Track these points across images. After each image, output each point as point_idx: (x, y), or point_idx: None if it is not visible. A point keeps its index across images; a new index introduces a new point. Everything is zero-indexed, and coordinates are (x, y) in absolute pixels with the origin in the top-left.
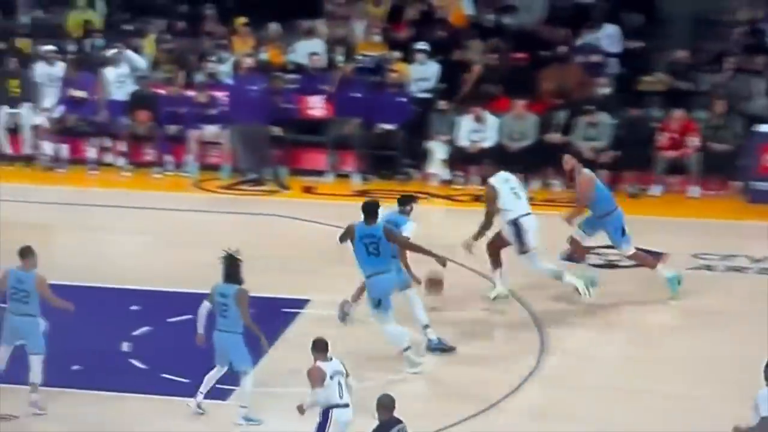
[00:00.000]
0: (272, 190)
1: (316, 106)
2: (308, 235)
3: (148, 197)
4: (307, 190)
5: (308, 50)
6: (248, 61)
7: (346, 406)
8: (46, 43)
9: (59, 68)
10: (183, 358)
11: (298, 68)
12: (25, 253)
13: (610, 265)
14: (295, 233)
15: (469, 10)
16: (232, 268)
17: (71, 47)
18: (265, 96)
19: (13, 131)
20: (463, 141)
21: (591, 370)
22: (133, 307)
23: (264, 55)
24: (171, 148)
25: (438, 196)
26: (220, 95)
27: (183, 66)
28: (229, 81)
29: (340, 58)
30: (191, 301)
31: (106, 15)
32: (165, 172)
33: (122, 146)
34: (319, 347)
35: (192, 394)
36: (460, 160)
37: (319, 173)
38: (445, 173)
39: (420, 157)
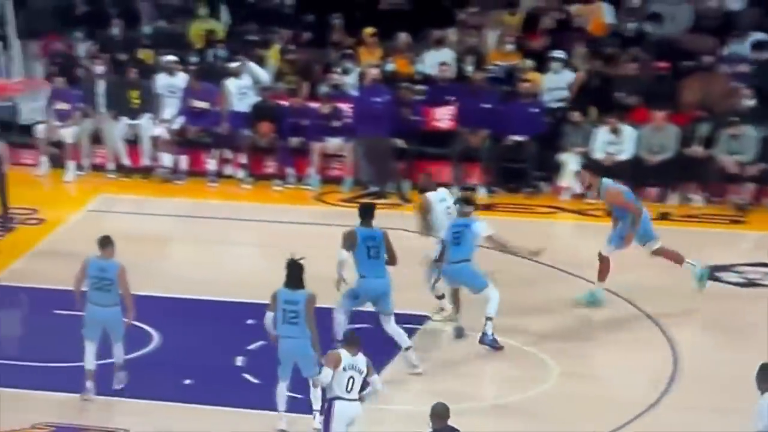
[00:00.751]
0: (394, 203)
1: (443, 118)
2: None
3: (267, 210)
4: None
5: (437, 60)
6: (373, 72)
7: (351, 401)
8: (168, 53)
9: (180, 79)
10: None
11: (426, 79)
12: (105, 242)
13: (751, 284)
14: (416, 248)
15: (609, 19)
16: (297, 273)
17: (193, 58)
18: (389, 108)
19: (132, 143)
20: (599, 153)
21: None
22: (249, 321)
23: (390, 66)
24: (293, 160)
25: (569, 211)
26: (345, 107)
27: (307, 77)
28: (354, 92)
29: (469, 68)
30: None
31: (230, 25)
32: (285, 185)
33: (243, 158)
34: (350, 340)
35: (305, 410)
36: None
37: (443, 187)
38: (577, 186)
39: (551, 170)
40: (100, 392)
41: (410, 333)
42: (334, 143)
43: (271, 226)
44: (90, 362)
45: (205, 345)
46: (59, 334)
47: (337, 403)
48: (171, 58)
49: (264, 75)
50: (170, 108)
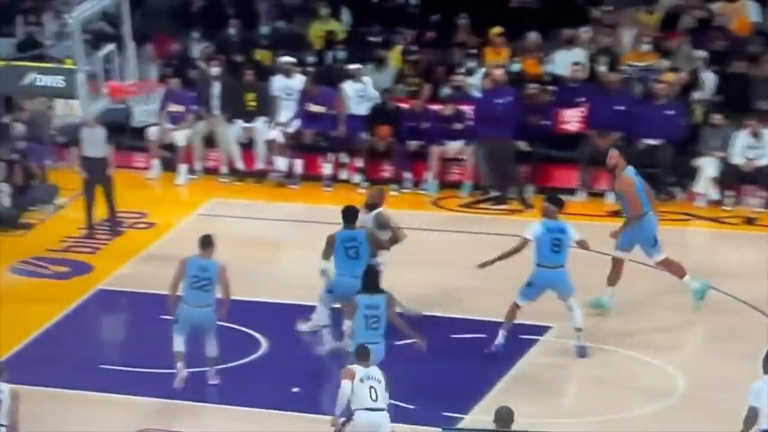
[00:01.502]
0: (515, 209)
1: (571, 120)
2: None
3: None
4: None
5: (568, 60)
6: (497, 73)
7: (377, 410)
8: (286, 54)
9: (297, 81)
10: (410, 384)
11: (554, 80)
12: (207, 242)
13: None
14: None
15: (755, 17)
16: (374, 278)
17: (312, 59)
18: (511, 109)
19: (246, 146)
20: (738, 158)
21: None
22: None
23: (516, 66)
24: (410, 164)
25: (703, 219)
26: (467, 109)
27: (429, 78)
28: (477, 94)
29: (602, 68)
30: (420, 324)
31: (351, 25)
32: (402, 190)
33: (359, 162)
34: (360, 354)
35: (418, 420)
36: (733, 178)
37: (569, 191)
38: (713, 193)
39: (686, 175)
40: (203, 399)
41: (529, 345)
42: (454, 146)
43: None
44: (179, 345)
45: (313, 352)
46: (166, 340)
47: (360, 414)
48: (288, 59)
49: (373, 93)
50: (286, 111)
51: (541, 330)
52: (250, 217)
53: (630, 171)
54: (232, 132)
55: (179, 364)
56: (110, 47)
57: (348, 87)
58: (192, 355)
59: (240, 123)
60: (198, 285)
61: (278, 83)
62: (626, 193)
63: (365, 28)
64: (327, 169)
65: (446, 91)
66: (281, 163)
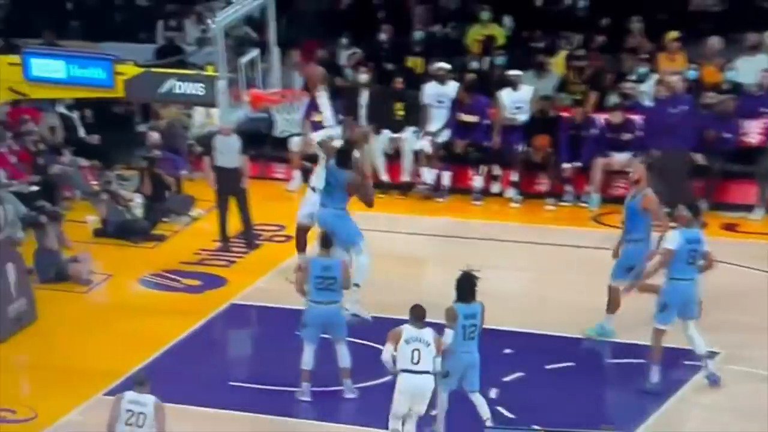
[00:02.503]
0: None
1: (753, 132)
2: (731, 279)
3: (538, 231)
4: (729, 227)
5: (752, 67)
6: (673, 80)
7: (419, 373)
8: (440, 60)
9: (451, 88)
10: (556, 409)
11: (734, 88)
12: (328, 242)
13: None
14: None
15: None
16: (471, 286)
17: (468, 65)
18: (687, 119)
19: (392, 157)
20: None
21: None
22: (506, 351)
23: (693, 73)
24: (571, 177)
25: None
26: (636, 118)
27: (596, 86)
28: (648, 102)
29: None
30: (575, 348)
31: (513, 30)
32: (560, 203)
33: (514, 175)
34: (414, 313)
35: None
36: None
37: (746, 208)
38: None
39: None
40: (335, 419)
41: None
42: (620, 158)
43: (539, 248)
44: (307, 363)
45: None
46: (299, 357)
47: (402, 376)
48: (442, 65)
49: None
50: (437, 120)
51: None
52: (394, 231)
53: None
54: (378, 142)
55: (304, 385)
56: (254, 53)
57: (505, 96)
58: (323, 372)
59: (387, 133)
60: (322, 285)
61: (430, 90)
62: (653, 212)
63: (528, 32)
64: (477, 181)
65: (614, 99)
66: (428, 174)
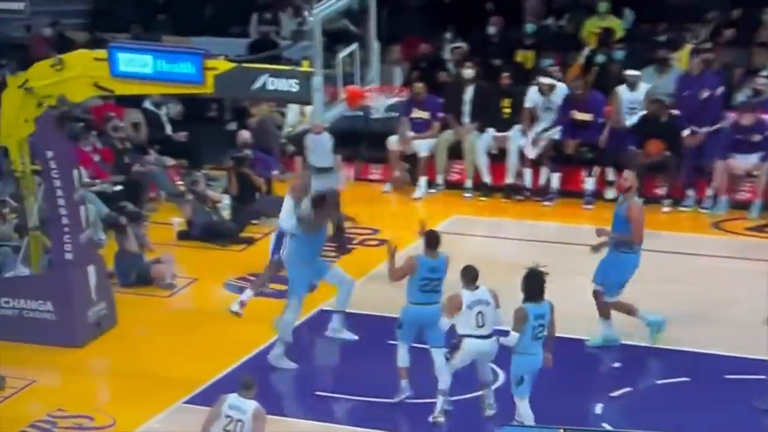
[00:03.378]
0: None
1: None
2: None
3: (652, 238)
4: None
5: None
6: None
7: (482, 337)
8: (552, 55)
9: (560, 85)
10: (666, 427)
11: None
12: (434, 241)
13: None
14: None
15: None
16: (540, 284)
17: (582, 60)
18: None
19: (496, 157)
20: None
21: None
22: (616, 365)
23: None
24: (692, 180)
25: None
26: (767, 118)
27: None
28: None
29: None
30: (689, 362)
31: (633, 23)
32: (679, 208)
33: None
34: (467, 275)
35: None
36: None
37: None
38: None
39: None
40: None
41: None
42: (746, 161)
43: (653, 256)
44: (404, 360)
45: (563, 387)
46: (389, 366)
47: (467, 340)
48: (550, 62)
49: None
50: (546, 118)
51: None
52: (496, 237)
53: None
54: (482, 142)
55: (404, 382)
56: (352, 48)
57: (622, 92)
58: (422, 383)
59: (492, 132)
60: (428, 287)
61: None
62: (635, 222)
63: (649, 25)
64: (589, 184)
65: (741, 97)
66: (536, 176)
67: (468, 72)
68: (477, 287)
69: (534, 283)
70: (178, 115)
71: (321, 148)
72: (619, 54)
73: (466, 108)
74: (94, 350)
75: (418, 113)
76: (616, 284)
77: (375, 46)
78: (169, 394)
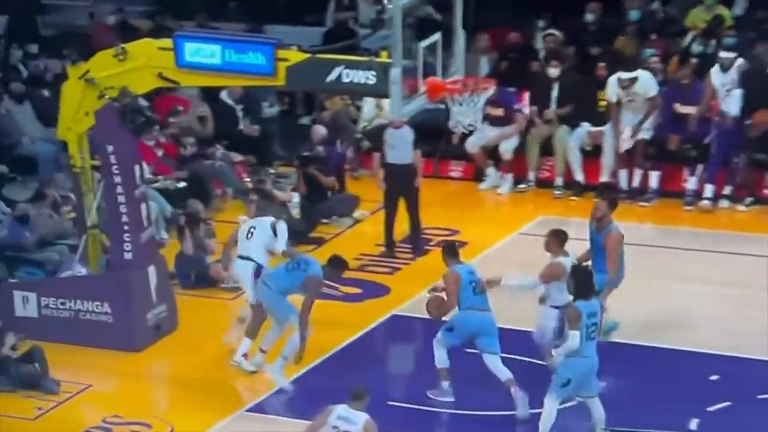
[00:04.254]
0: None
1: None
2: None
3: (763, 241)
4: None
5: None
6: None
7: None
8: (654, 44)
9: (644, 75)
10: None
11: None
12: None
13: None
14: None
15: None
16: (588, 282)
17: (684, 48)
18: None
19: (590, 154)
20: None
21: None
22: (713, 377)
23: None
24: None
25: None
26: None
27: None
28: None
29: None
30: None
31: (746, 10)
32: None
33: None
34: (558, 240)
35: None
36: None
37: None
38: None
39: None
40: None
41: None
42: None
43: (765, 261)
44: (443, 361)
45: (655, 401)
46: (468, 376)
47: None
48: (652, 51)
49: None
50: (630, 113)
51: None
52: (585, 240)
53: (617, 226)
54: (575, 137)
55: (444, 384)
56: (435, 37)
57: (714, 75)
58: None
59: (586, 126)
60: (466, 293)
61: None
62: (611, 252)
63: (764, 12)
64: (691, 183)
65: None
66: (633, 175)
67: (553, 71)
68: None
69: (583, 279)
70: (272, 115)
71: (401, 144)
72: (730, 41)
73: (559, 101)
74: (153, 354)
75: (490, 110)
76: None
77: (460, 34)
78: (230, 401)
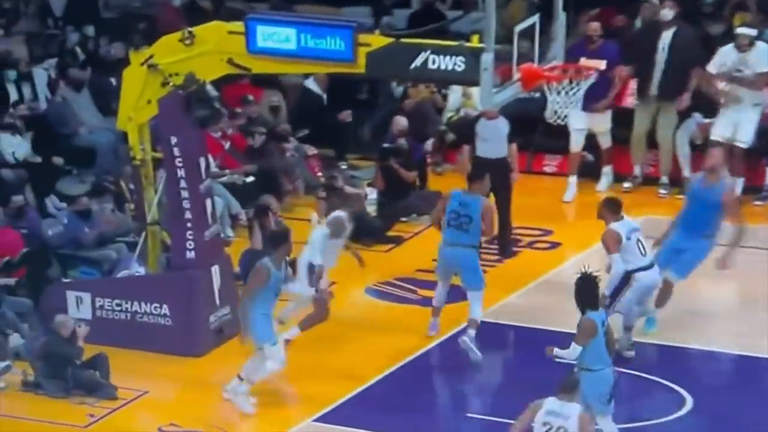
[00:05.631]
0: None
1: None
2: None
3: None
4: None
5: None
6: None
7: (648, 268)
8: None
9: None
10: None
11: None
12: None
13: None
14: None
15: None
16: (593, 290)
17: None
18: None
19: (699, 147)
20: None
21: None
22: None
23: None
24: None
25: None
26: None
27: None
28: None
29: None
30: None
31: None
32: None
33: None
34: (611, 207)
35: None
36: None
37: None
38: None
39: None
40: None
41: None
42: None
43: None
44: (438, 300)
45: (748, 414)
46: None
47: (637, 275)
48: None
49: None
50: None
51: None
52: None
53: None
54: (684, 128)
55: (432, 320)
56: (532, 19)
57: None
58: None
59: (697, 117)
60: (455, 223)
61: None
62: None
63: None
64: None
65: None
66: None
67: (668, 13)
68: (622, 217)
69: (591, 289)
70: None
71: (495, 136)
72: None
73: (657, 73)
74: (215, 359)
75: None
76: None
77: (561, 17)
78: (296, 411)
